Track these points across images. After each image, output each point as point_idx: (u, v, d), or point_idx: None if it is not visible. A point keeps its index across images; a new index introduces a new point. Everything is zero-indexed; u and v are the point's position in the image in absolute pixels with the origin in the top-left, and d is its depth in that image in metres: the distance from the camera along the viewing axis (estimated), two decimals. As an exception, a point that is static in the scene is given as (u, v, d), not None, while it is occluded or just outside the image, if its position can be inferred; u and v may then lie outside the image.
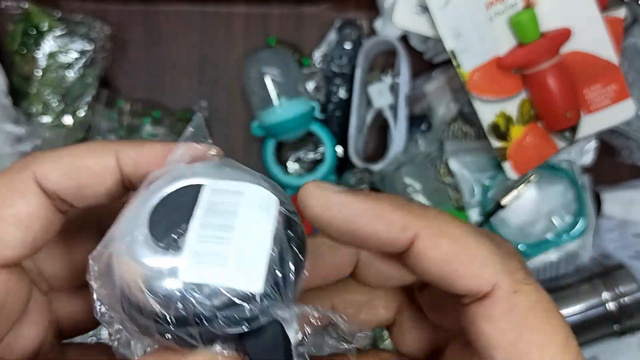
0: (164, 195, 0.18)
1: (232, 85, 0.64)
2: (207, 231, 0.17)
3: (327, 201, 0.18)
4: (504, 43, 0.52)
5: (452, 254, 0.18)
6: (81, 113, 0.59)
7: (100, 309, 0.19)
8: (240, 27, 0.64)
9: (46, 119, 0.58)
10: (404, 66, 0.59)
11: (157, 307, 0.17)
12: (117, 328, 0.18)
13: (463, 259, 0.18)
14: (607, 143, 0.64)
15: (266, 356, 0.17)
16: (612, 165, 0.65)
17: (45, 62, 0.58)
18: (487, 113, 0.53)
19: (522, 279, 0.18)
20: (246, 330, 0.17)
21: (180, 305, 0.17)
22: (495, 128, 0.54)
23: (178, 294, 0.17)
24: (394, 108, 0.60)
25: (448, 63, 0.58)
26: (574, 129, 0.54)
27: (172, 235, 0.17)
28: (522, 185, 0.58)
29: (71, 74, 0.58)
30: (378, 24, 0.62)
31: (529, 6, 0.51)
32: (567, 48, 0.52)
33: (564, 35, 0.51)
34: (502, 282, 0.18)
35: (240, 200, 0.18)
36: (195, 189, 0.18)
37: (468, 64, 0.52)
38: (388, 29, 0.60)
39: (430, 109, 0.61)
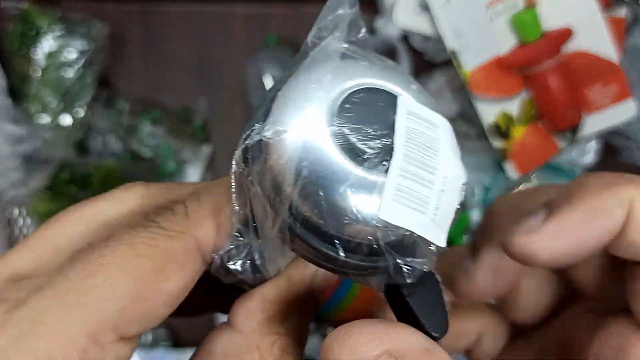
0: (350, 90, 0.16)
1: (232, 85, 0.64)
2: (410, 166, 0.15)
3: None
4: (505, 43, 0.52)
5: None
6: (80, 113, 0.59)
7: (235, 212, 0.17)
8: (240, 26, 0.64)
9: (45, 119, 0.58)
10: (404, 66, 0.59)
11: (340, 228, 0.15)
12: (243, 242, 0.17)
13: None
14: (608, 143, 0.63)
15: (427, 308, 0.16)
16: (613, 165, 0.65)
17: (44, 62, 0.58)
18: (488, 113, 0.53)
19: None
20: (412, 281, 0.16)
21: (368, 238, 0.15)
22: (496, 128, 0.54)
23: (371, 225, 0.15)
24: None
25: (449, 63, 0.58)
26: (575, 129, 0.54)
27: (369, 153, 0.15)
28: (522, 186, 0.58)
29: (70, 74, 0.58)
30: (378, 24, 0.62)
31: (530, 6, 0.51)
32: (568, 48, 0.52)
33: (565, 35, 0.51)
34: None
35: (437, 135, 0.16)
36: (388, 99, 0.16)
37: (469, 63, 0.52)
38: (388, 28, 0.60)
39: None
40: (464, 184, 0.17)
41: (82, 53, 0.58)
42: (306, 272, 0.18)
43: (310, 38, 0.18)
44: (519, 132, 0.54)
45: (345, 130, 0.15)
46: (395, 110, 0.16)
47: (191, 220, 0.17)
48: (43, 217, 0.56)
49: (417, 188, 0.15)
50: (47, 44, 0.58)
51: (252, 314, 0.18)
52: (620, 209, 0.17)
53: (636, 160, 0.63)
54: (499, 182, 0.59)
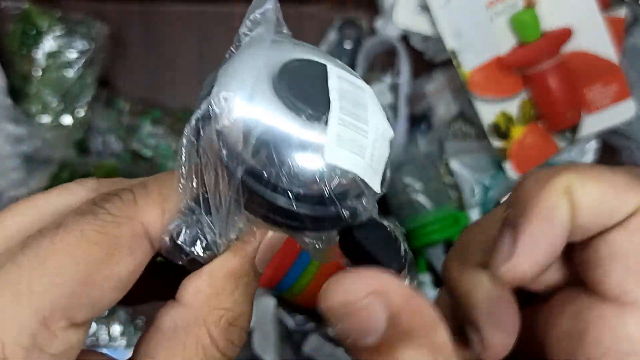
0: (285, 61, 0.18)
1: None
2: (346, 117, 0.17)
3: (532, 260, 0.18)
4: (505, 43, 0.52)
5: (602, 192, 0.18)
6: (80, 113, 0.59)
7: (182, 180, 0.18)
8: (239, 26, 0.64)
9: (45, 119, 0.58)
10: (404, 66, 0.59)
11: (292, 179, 0.16)
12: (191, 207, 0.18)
13: (610, 195, 0.18)
14: (608, 143, 0.64)
15: (381, 247, 0.18)
16: (613, 165, 0.65)
17: (44, 62, 0.58)
18: (487, 113, 0.53)
19: None
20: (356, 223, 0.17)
21: (317, 185, 0.16)
22: (495, 128, 0.54)
23: (319, 171, 0.16)
24: (394, 108, 0.60)
25: (448, 63, 0.58)
26: (574, 128, 0.54)
27: (309, 108, 0.17)
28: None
29: (71, 74, 0.58)
30: (378, 24, 0.62)
31: (529, 6, 0.51)
32: (567, 48, 0.52)
33: (565, 35, 0.51)
34: None
35: (364, 95, 0.18)
36: (319, 67, 0.18)
37: (469, 63, 0.52)
38: (388, 28, 0.60)
39: (431, 109, 0.60)
40: (390, 140, 0.18)
41: (82, 53, 0.58)
42: (250, 247, 0.19)
43: (242, 31, 0.20)
44: (518, 132, 0.54)
45: (286, 91, 0.17)
46: (326, 76, 0.18)
47: (138, 206, 0.18)
48: None
49: (355, 136, 0.17)
50: (47, 44, 0.58)
51: (199, 289, 0.18)
52: (563, 201, 0.17)
53: (636, 160, 0.63)
54: (498, 181, 0.59)
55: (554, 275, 0.21)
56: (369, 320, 0.17)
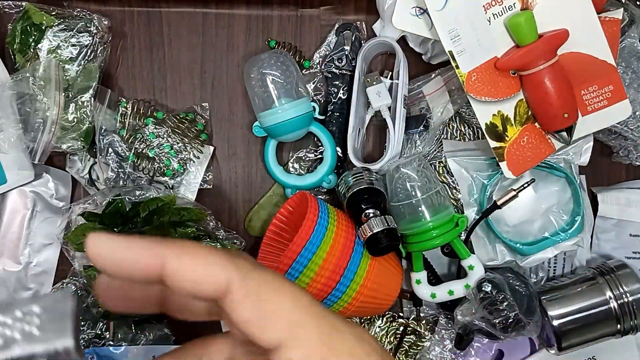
0: None
1: (234, 86, 0.65)
2: None
3: (101, 249, 0.22)
4: (502, 44, 0.52)
5: (192, 265, 0.22)
6: (84, 106, 0.59)
7: None
8: (241, 29, 0.65)
9: (49, 114, 0.58)
10: (402, 67, 0.60)
11: None
12: None
13: (201, 265, 0.22)
14: (604, 143, 0.64)
15: None
16: (609, 165, 0.66)
17: (46, 59, 0.58)
18: (484, 113, 0.54)
19: (250, 269, 0.22)
20: None
21: None
22: (492, 128, 0.54)
23: None
24: (392, 109, 0.61)
25: (446, 64, 0.59)
26: (570, 129, 0.54)
27: None
28: (520, 188, 0.58)
29: (73, 68, 0.59)
30: (377, 26, 0.63)
31: (526, 8, 0.51)
32: (564, 49, 0.52)
33: (561, 36, 0.52)
34: (233, 273, 0.22)
35: None
36: None
37: (466, 65, 0.52)
38: (387, 30, 0.61)
39: (429, 110, 0.61)
40: None
41: (83, 47, 0.59)
42: None
43: None
44: (515, 133, 0.55)
45: None
46: None
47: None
48: (81, 247, 0.57)
49: None
50: (48, 41, 0.58)
51: None
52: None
53: (631, 160, 0.64)
54: (495, 182, 0.60)
55: None
56: None
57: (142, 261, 0.22)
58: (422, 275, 0.60)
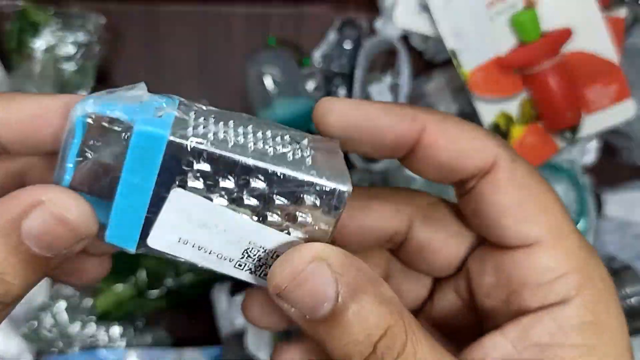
0: None
1: (232, 84, 0.64)
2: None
3: (342, 108, 0.20)
4: (505, 43, 0.52)
5: (457, 136, 0.20)
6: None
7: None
8: (240, 26, 0.64)
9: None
10: (404, 66, 0.59)
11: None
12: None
13: (467, 137, 0.20)
14: (608, 143, 0.64)
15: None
16: (613, 165, 0.65)
17: (43, 57, 0.58)
18: (487, 113, 0.53)
19: (517, 154, 0.20)
20: None
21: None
22: (495, 128, 0.54)
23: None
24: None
25: (448, 63, 0.58)
26: (574, 129, 0.54)
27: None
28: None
29: (69, 67, 0.59)
30: (378, 24, 0.62)
31: (529, 6, 0.51)
32: (567, 48, 0.52)
33: (565, 35, 0.51)
34: (502, 153, 0.20)
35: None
36: None
37: (469, 63, 0.52)
38: (388, 28, 0.60)
39: (431, 109, 0.61)
40: None
41: (80, 45, 0.59)
42: None
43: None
44: (518, 132, 0.54)
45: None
46: None
47: None
48: None
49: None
50: (44, 39, 0.58)
51: None
52: (415, 123, 0.21)
53: (636, 159, 0.63)
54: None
55: (459, 249, 0.23)
56: (319, 286, 0.17)
57: (398, 126, 0.20)
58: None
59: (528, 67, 0.52)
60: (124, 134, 0.18)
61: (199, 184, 0.18)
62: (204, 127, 0.18)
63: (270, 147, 0.18)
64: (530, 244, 0.20)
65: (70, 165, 0.18)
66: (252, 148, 0.18)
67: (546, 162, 0.57)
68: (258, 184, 0.18)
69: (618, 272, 0.59)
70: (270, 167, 0.18)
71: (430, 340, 0.18)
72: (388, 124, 0.20)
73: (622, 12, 0.53)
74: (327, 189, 0.18)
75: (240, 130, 0.19)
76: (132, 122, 0.17)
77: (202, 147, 0.17)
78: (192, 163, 0.17)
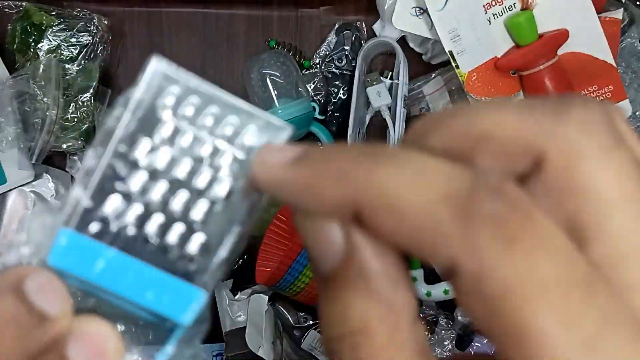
0: None
1: (233, 86, 0.65)
2: None
3: (273, 164, 0.17)
4: (502, 45, 0.52)
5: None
6: (84, 106, 0.59)
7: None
8: (241, 29, 0.64)
9: (49, 113, 0.58)
10: (402, 67, 0.60)
11: None
12: None
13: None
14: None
15: None
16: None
17: (46, 58, 0.58)
18: (485, 114, 0.54)
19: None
20: None
21: None
22: (493, 128, 0.54)
23: None
24: (392, 109, 0.61)
25: (446, 64, 0.59)
26: (571, 129, 0.54)
27: None
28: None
29: (72, 68, 0.59)
30: (377, 26, 0.63)
31: (526, 8, 0.51)
32: (564, 49, 0.52)
33: (562, 36, 0.52)
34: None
35: None
36: None
37: (466, 65, 0.52)
38: (387, 30, 0.61)
39: (429, 110, 0.61)
40: None
41: (83, 46, 0.59)
42: None
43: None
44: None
45: None
46: None
47: None
48: None
49: None
50: (47, 40, 0.59)
51: None
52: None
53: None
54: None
55: None
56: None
57: (335, 193, 0.15)
58: (419, 272, 0.60)
59: (525, 68, 0.52)
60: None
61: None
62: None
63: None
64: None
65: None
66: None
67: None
68: None
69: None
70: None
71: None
72: (322, 191, 0.15)
73: (617, 14, 0.54)
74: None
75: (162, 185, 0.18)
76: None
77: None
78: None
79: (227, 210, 0.18)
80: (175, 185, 0.17)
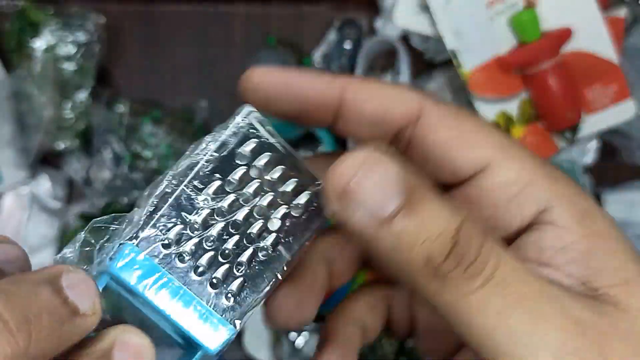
0: None
1: (232, 85, 0.64)
2: None
3: (261, 75, 0.21)
4: (505, 43, 0.52)
5: (378, 89, 0.21)
6: (80, 105, 0.59)
7: None
8: (240, 26, 0.64)
9: (46, 113, 0.58)
10: (404, 66, 0.59)
11: None
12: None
13: (387, 90, 0.21)
14: (608, 143, 0.64)
15: None
16: (613, 165, 0.65)
17: (42, 57, 0.58)
18: (487, 113, 0.53)
19: (439, 99, 0.21)
20: None
21: None
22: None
23: None
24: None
25: (448, 63, 0.58)
26: (574, 129, 0.54)
27: None
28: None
29: (69, 67, 0.59)
30: (378, 24, 0.62)
31: (529, 6, 0.51)
32: (567, 48, 0.52)
33: (565, 35, 0.51)
34: (426, 98, 0.20)
35: None
36: None
37: (469, 63, 0.52)
38: (388, 28, 0.60)
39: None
40: None
41: (79, 45, 0.59)
42: None
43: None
44: (518, 132, 0.54)
45: None
46: None
47: None
48: None
49: None
50: (44, 39, 0.58)
51: None
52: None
53: (636, 160, 0.63)
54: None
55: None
56: (385, 179, 0.17)
57: (318, 88, 0.20)
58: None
59: (528, 67, 0.52)
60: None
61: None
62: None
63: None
64: (483, 166, 0.19)
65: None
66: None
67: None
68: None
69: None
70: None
71: (513, 257, 0.17)
72: (307, 86, 0.20)
73: (622, 12, 0.53)
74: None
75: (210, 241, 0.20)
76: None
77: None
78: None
79: (269, 259, 0.20)
80: (232, 226, 0.20)
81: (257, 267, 0.20)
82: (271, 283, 0.20)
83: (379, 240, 0.17)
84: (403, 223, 0.16)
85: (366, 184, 0.16)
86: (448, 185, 0.21)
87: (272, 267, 0.20)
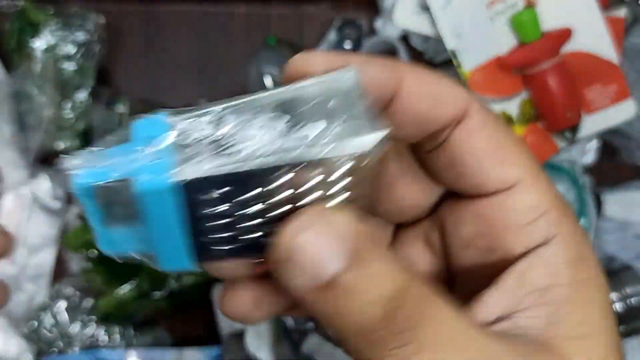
0: None
1: (232, 84, 0.64)
2: None
3: (318, 60, 0.19)
4: (505, 43, 0.52)
5: (434, 84, 0.20)
6: (81, 105, 0.59)
7: None
8: (240, 26, 0.64)
9: (46, 112, 0.58)
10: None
11: None
12: None
13: (443, 85, 0.20)
14: (608, 143, 0.64)
15: None
16: (613, 165, 0.65)
17: (42, 57, 0.58)
18: (487, 113, 0.53)
19: (482, 101, 0.20)
20: None
21: None
22: (495, 128, 0.54)
23: None
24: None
25: (448, 63, 0.58)
26: (574, 129, 0.54)
27: None
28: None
29: (69, 66, 0.59)
30: (378, 24, 0.62)
31: (529, 6, 0.51)
32: (567, 48, 0.52)
33: (565, 35, 0.51)
34: (473, 100, 0.20)
35: None
36: None
37: (468, 63, 0.52)
38: (388, 28, 0.60)
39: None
40: None
41: (79, 45, 0.59)
42: None
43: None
44: (518, 132, 0.54)
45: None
46: None
47: None
48: (78, 249, 0.57)
49: None
50: (44, 39, 0.58)
51: None
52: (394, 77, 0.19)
53: (636, 160, 0.63)
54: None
55: (424, 198, 0.22)
56: (322, 247, 0.16)
57: (379, 75, 0.19)
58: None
59: (528, 67, 0.52)
60: (130, 191, 0.17)
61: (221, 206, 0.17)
62: (205, 144, 0.18)
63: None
64: (510, 185, 0.19)
65: (100, 231, 0.19)
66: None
67: (546, 162, 0.57)
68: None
69: (618, 272, 0.59)
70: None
71: (454, 309, 0.17)
72: (368, 73, 0.18)
73: (622, 12, 0.53)
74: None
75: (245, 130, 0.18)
76: (133, 180, 0.17)
77: (210, 173, 0.17)
78: (208, 191, 0.17)
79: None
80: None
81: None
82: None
83: (316, 306, 0.17)
84: (335, 294, 0.16)
85: (307, 248, 0.16)
86: (460, 195, 0.21)
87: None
